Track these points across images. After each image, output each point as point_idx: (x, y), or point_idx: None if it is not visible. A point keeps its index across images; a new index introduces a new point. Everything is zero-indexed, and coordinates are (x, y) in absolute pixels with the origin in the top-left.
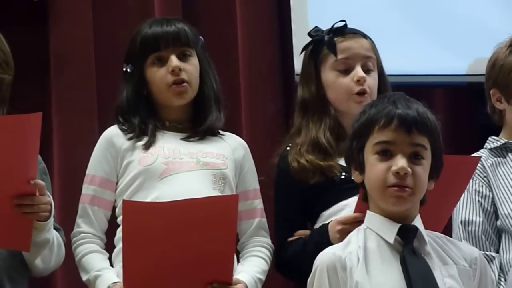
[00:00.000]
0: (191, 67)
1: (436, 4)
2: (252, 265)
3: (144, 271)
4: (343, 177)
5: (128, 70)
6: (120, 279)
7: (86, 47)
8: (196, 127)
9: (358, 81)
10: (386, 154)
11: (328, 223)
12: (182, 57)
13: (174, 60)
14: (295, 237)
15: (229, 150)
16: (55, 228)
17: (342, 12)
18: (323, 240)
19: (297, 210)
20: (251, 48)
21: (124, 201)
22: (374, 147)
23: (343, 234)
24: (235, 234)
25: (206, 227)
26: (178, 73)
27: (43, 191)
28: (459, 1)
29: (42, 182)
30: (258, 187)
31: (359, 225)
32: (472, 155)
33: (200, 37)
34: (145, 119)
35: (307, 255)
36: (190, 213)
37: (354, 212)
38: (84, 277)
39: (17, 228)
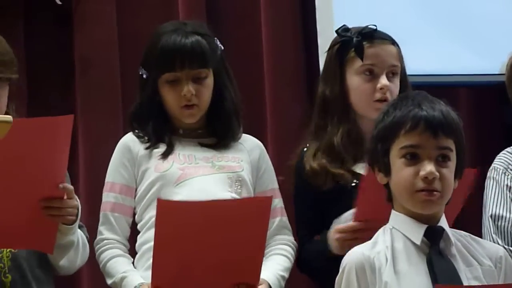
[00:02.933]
0: (204, 89)
1: (468, 3)
2: (274, 263)
3: (173, 269)
4: (354, 184)
5: (144, 76)
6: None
7: (110, 49)
8: (216, 137)
9: (382, 89)
10: (413, 158)
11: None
12: (196, 80)
13: (187, 88)
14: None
15: (245, 152)
16: (78, 226)
17: (368, 13)
18: (324, 248)
19: (314, 210)
20: (275, 49)
21: (158, 199)
22: (400, 151)
23: (342, 242)
24: (266, 235)
25: (237, 228)
26: (190, 98)
27: (71, 194)
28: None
29: (70, 186)
30: (277, 186)
31: (359, 234)
32: (506, 150)
33: (220, 46)
34: (159, 126)
35: (322, 257)
36: (223, 213)
37: (353, 220)
38: (109, 281)
39: (42, 230)
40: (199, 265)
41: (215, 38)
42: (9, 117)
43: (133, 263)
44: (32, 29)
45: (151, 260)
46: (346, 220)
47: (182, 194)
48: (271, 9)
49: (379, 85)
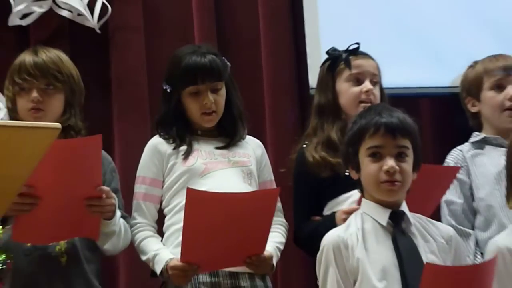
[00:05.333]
0: (220, 98)
1: (427, 27)
2: (272, 239)
3: (198, 246)
4: (347, 173)
5: (168, 90)
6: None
7: (139, 69)
8: (226, 138)
9: (366, 92)
10: (376, 156)
11: (335, 212)
12: (214, 91)
13: (208, 99)
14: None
15: (251, 150)
16: (123, 216)
17: (347, 39)
18: (331, 225)
19: (311, 197)
20: (273, 68)
21: (188, 188)
22: (367, 151)
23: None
24: (271, 220)
25: (251, 213)
26: (210, 106)
27: (109, 194)
28: (447, 27)
29: (106, 188)
30: (273, 178)
31: None
32: (456, 148)
33: (228, 63)
34: (181, 130)
35: (319, 236)
36: (240, 202)
37: (357, 204)
38: (144, 257)
39: (88, 222)
40: (219, 244)
41: (224, 57)
42: (57, 124)
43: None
44: (78, 53)
45: (179, 239)
46: (342, 202)
47: (207, 185)
48: (269, 34)
49: (364, 89)
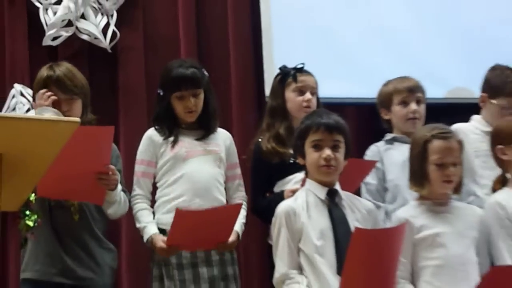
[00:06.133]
0: (199, 101)
1: (353, 51)
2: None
3: (181, 238)
4: (291, 161)
5: (161, 93)
6: (160, 225)
7: (139, 80)
8: (204, 130)
9: (307, 101)
10: (317, 147)
11: (283, 190)
12: (194, 95)
13: (190, 102)
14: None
15: (221, 141)
16: (123, 190)
17: (294, 59)
18: (281, 199)
19: (264, 178)
20: (238, 80)
21: (177, 209)
22: (310, 143)
23: (291, 197)
24: (234, 225)
25: (220, 223)
26: (191, 107)
27: (114, 172)
28: (367, 50)
29: (112, 167)
30: (238, 161)
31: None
32: (374, 144)
33: (206, 73)
34: (170, 125)
35: (272, 208)
36: (213, 214)
37: (301, 184)
38: (137, 225)
39: (97, 191)
40: (197, 238)
41: (203, 69)
42: (77, 119)
43: (153, 212)
44: (94, 66)
45: (165, 208)
46: (288, 182)
47: (188, 168)
48: (236, 54)
49: (305, 99)
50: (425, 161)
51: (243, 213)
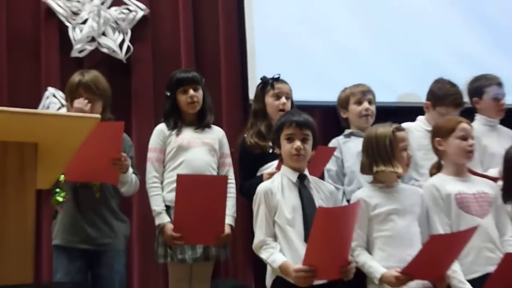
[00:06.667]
0: (198, 94)
1: (321, 61)
2: (228, 209)
3: (186, 222)
4: (270, 151)
5: (168, 94)
6: (166, 202)
7: (149, 85)
8: (201, 123)
9: (283, 104)
10: (290, 140)
11: (262, 174)
12: (195, 89)
13: (192, 94)
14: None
15: (215, 135)
16: (134, 173)
17: (273, 70)
18: (261, 181)
19: (249, 166)
20: (228, 87)
21: (178, 175)
22: (284, 136)
23: (269, 179)
24: (225, 203)
25: (213, 193)
26: (193, 98)
27: (126, 158)
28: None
29: (124, 154)
30: (229, 152)
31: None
32: (335, 138)
33: (203, 79)
34: (176, 120)
35: (254, 188)
36: (209, 184)
37: (277, 169)
38: (153, 207)
39: (112, 173)
40: (196, 221)
41: (200, 73)
42: (98, 116)
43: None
44: (112, 74)
45: (170, 188)
46: (266, 168)
47: (188, 155)
48: (227, 66)
49: (281, 102)
50: (395, 148)
51: (232, 205)
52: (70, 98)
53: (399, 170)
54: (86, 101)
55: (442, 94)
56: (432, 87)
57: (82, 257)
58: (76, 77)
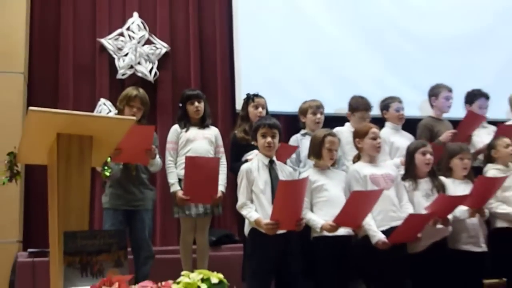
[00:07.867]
0: (202, 105)
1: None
2: (221, 180)
3: (193, 188)
4: (253, 143)
5: (180, 105)
6: (179, 176)
7: (169, 100)
8: (203, 124)
9: (260, 113)
10: (264, 136)
11: (246, 160)
12: (199, 102)
13: (196, 104)
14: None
15: (212, 132)
16: (159, 157)
17: (254, 88)
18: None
19: (237, 153)
20: (222, 99)
21: (186, 157)
22: (260, 134)
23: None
24: (218, 177)
25: (206, 170)
26: (198, 108)
27: (154, 149)
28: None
29: (153, 146)
30: (222, 143)
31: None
32: (294, 135)
33: (204, 95)
34: (186, 122)
35: (239, 168)
36: (206, 164)
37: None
38: (169, 180)
39: (145, 158)
40: (199, 189)
41: (203, 93)
42: (134, 118)
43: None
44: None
45: (181, 167)
46: (249, 155)
47: (193, 145)
48: (221, 87)
49: (259, 111)
50: (322, 147)
51: (223, 178)
52: (127, 104)
53: (323, 163)
54: (136, 109)
55: (356, 104)
56: (350, 101)
57: (123, 215)
58: (133, 90)
